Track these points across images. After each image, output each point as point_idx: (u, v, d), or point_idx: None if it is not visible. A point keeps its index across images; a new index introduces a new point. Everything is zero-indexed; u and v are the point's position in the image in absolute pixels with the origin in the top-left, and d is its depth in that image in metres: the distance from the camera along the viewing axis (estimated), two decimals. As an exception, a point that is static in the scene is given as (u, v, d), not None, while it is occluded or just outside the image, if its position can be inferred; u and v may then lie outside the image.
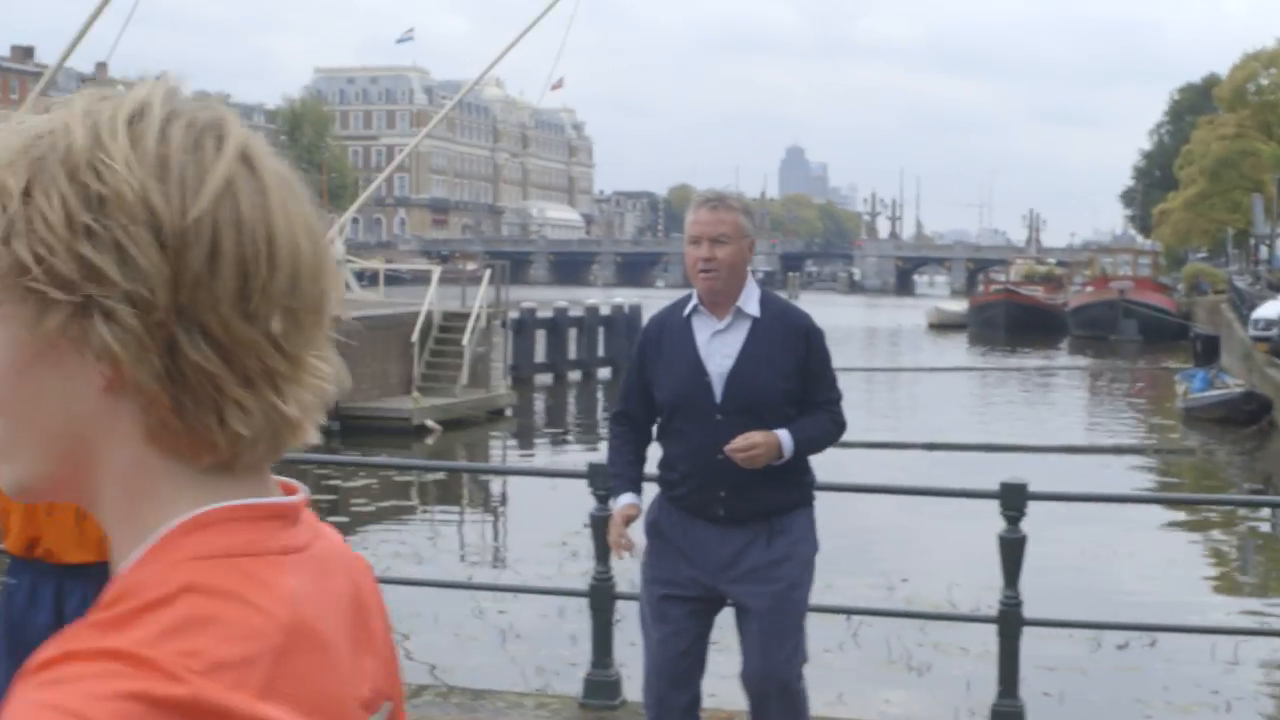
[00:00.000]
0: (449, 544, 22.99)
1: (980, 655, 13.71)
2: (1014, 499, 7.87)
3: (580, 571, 14.04)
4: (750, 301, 5.97)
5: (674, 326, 6.04)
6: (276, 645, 1.20)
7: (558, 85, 59.91)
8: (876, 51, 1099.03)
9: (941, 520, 19.06)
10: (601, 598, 8.56)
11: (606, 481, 8.33)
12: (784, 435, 5.80)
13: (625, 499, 6.04)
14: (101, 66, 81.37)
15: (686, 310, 6.02)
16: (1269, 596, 19.60)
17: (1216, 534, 22.99)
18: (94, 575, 4.61)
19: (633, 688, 8.84)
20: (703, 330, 5.97)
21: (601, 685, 8.50)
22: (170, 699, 1.12)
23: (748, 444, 5.72)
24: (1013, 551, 7.93)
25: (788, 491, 5.96)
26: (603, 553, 8.46)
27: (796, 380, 5.92)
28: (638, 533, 6.11)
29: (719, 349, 5.91)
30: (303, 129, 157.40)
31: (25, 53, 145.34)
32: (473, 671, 13.45)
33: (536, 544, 20.21)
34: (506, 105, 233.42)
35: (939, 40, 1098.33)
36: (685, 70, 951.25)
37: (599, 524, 8.39)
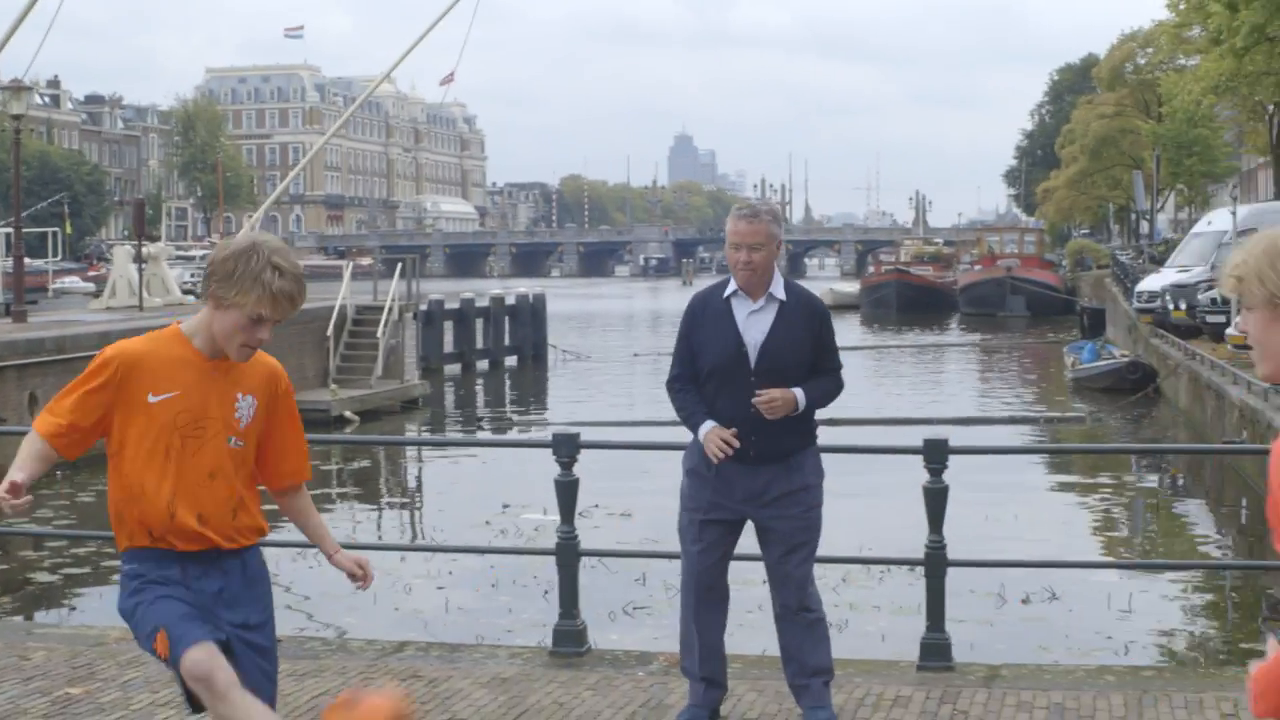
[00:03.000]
0: (380, 524, 23.92)
1: (895, 610, 14.81)
2: (937, 454, 8.89)
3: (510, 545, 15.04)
4: (778, 288, 7.46)
5: (716, 305, 7.49)
6: None
7: (448, 80, 60.31)
8: (754, 39, 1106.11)
9: (854, 486, 20.14)
10: (568, 554, 9.51)
11: (571, 451, 9.36)
12: (799, 392, 7.31)
13: (709, 423, 7.37)
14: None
15: (726, 293, 7.47)
16: (1157, 545, 20.88)
17: (1108, 494, 24.37)
18: (212, 556, 5.23)
19: (591, 630, 9.82)
20: (741, 310, 7.43)
21: (569, 634, 9.38)
22: None
23: (768, 398, 7.20)
24: (936, 501, 8.95)
25: (801, 436, 7.47)
26: (568, 514, 9.44)
27: (811, 351, 7.44)
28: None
29: (754, 325, 7.39)
30: (196, 129, 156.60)
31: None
32: (439, 623, 14.49)
33: (460, 524, 21.15)
34: (398, 101, 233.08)
35: (812, 25, 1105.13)
36: (570, 62, 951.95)
37: (564, 488, 9.37)
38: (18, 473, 5.10)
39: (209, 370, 5.22)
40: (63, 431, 5.16)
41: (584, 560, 16.13)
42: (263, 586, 5.43)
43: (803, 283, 8.16)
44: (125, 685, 8.47)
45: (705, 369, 7.44)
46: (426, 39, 45.12)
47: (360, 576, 5.57)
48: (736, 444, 7.28)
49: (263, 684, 5.30)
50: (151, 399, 5.13)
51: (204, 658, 5.01)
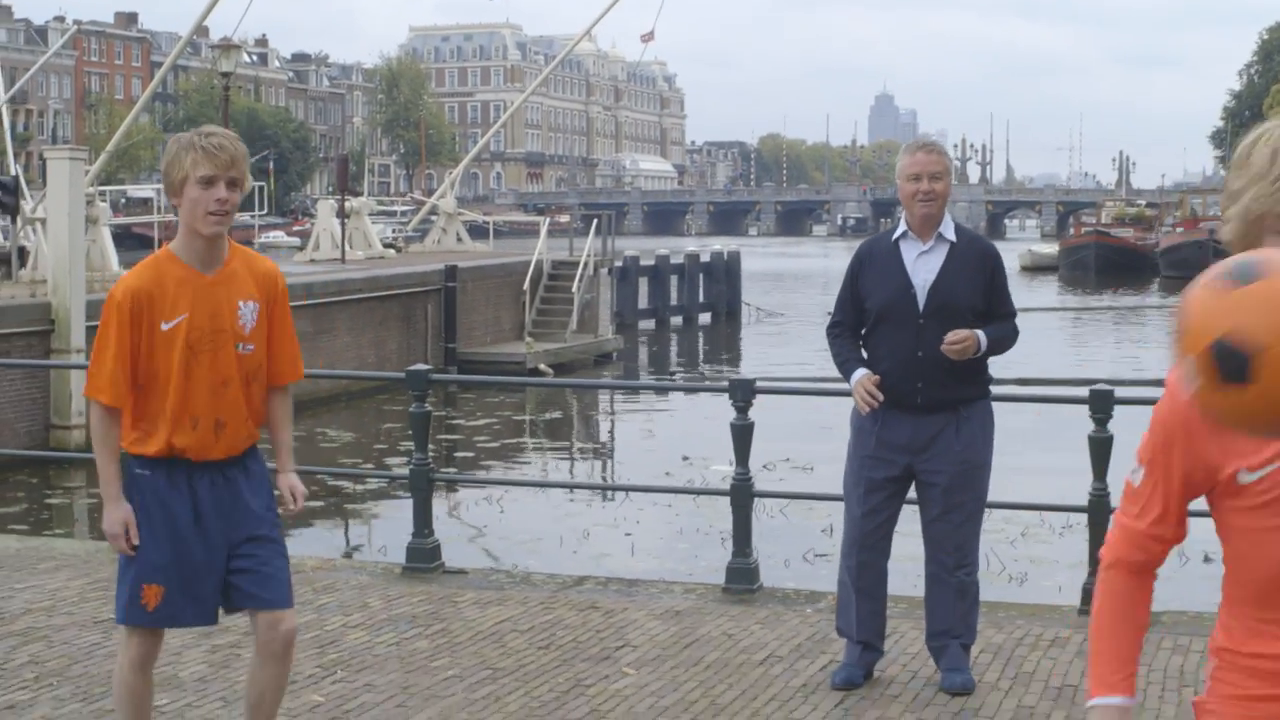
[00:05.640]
0: (573, 471, 24.51)
1: (1074, 564, 14.98)
2: (1102, 404, 9.10)
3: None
4: (948, 229, 7.30)
5: (883, 249, 7.34)
6: None
7: (648, 38, 60.71)
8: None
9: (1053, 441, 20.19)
10: (742, 495, 9.86)
11: (747, 395, 9.68)
12: (980, 334, 7.14)
13: (861, 371, 7.24)
14: (203, 31, 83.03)
15: (895, 236, 7.33)
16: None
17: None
18: (221, 465, 5.64)
19: (768, 575, 10.16)
20: (909, 251, 7.27)
21: (742, 572, 9.72)
22: None
23: (959, 337, 7.03)
24: (1101, 450, 9.13)
25: (972, 385, 7.29)
26: (743, 456, 9.78)
27: (982, 295, 7.28)
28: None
29: (924, 266, 7.23)
30: (400, 87, 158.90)
31: (129, 19, 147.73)
32: (621, 566, 14.96)
33: (646, 474, 21.57)
34: (598, 59, 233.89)
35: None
36: (770, 20, 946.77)
37: (739, 432, 9.72)
38: (119, 506, 5.54)
39: (208, 284, 5.51)
40: (122, 390, 5.48)
41: (766, 510, 16.75)
42: (264, 486, 5.76)
43: (1002, 244, 8.12)
44: (320, 609, 8.95)
45: (872, 312, 7.27)
46: (626, -1, 45.57)
47: (287, 502, 5.83)
48: (881, 396, 7.16)
49: (275, 574, 5.67)
50: (164, 327, 5.45)
51: (150, 643, 5.73)
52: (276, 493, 5.84)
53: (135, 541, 5.50)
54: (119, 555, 5.68)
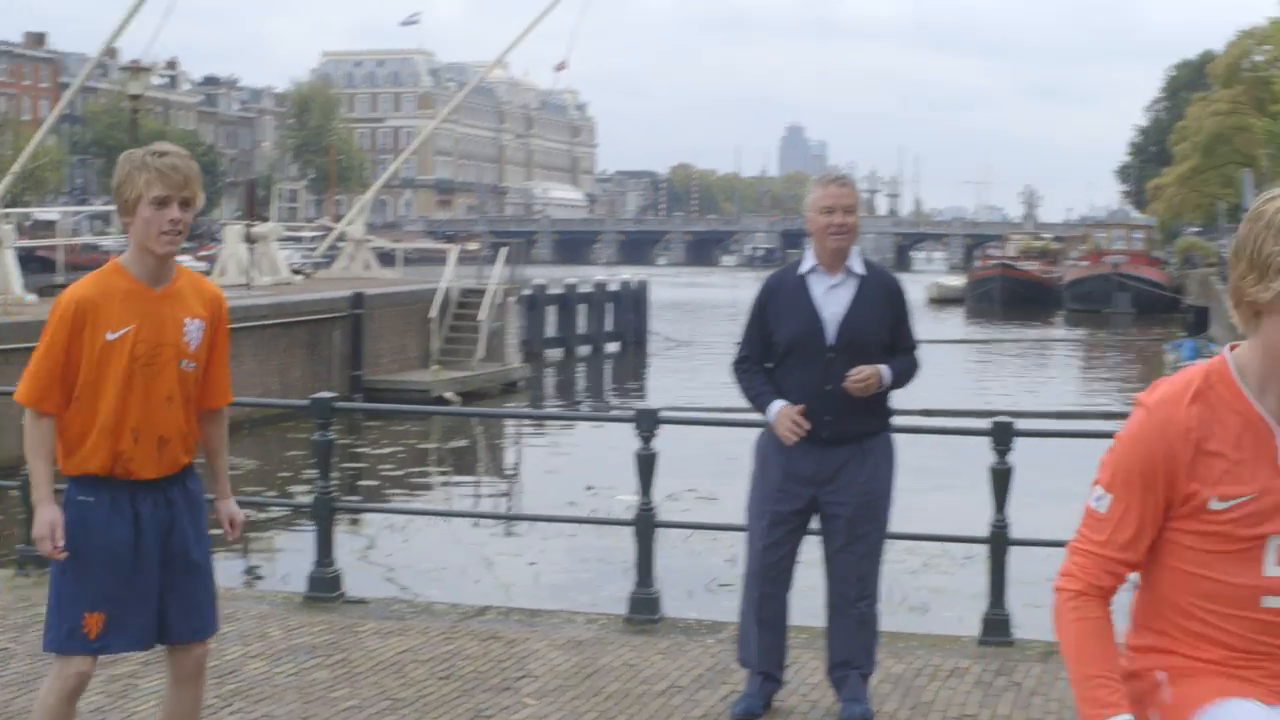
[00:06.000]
0: (477, 502, 24.45)
1: (974, 595, 15.07)
2: (1003, 436, 9.17)
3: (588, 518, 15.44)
4: (857, 263, 7.32)
5: (791, 283, 7.34)
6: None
7: (562, 67, 60.80)
8: (864, 30, 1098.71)
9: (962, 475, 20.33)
10: (645, 525, 9.87)
11: (651, 426, 9.69)
12: (884, 369, 7.18)
13: (779, 402, 7.21)
14: (112, 52, 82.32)
15: (803, 270, 7.32)
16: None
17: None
18: (163, 485, 5.64)
19: (671, 605, 10.17)
20: (818, 285, 7.27)
21: (644, 602, 9.74)
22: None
23: (861, 375, 7.06)
24: (1001, 482, 9.21)
25: (876, 418, 7.34)
26: (647, 486, 9.79)
27: (889, 329, 7.31)
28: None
29: (833, 300, 7.23)
30: (311, 112, 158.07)
31: (37, 39, 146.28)
32: (524, 595, 14.94)
33: (551, 504, 21.56)
34: (511, 87, 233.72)
35: (922, 18, 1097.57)
36: (682, 51, 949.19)
37: (644, 462, 9.73)
38: (48, 509, 5.49)
39: (156, 299, 5.52)
40: (49, 394, 5.49)
41: (670, 540, 16.76)
42: (201, 510, 5.75)
43: (909, 276, 8.18)
44: (219, 638, 8.80)
45: (780, 346, 7.26)
46: (539, 26, 45.65)
47: (226, 530, 5.88)
48: (807, 425, 7.15)
49: (204, 603, 5.70)
50: (109, 336, 5.44)
51: (87, 671, 5.63)
52: (213, 516, 5.85)
53: (60, 543, 5.45)
54: (52, 581, 5.63)
